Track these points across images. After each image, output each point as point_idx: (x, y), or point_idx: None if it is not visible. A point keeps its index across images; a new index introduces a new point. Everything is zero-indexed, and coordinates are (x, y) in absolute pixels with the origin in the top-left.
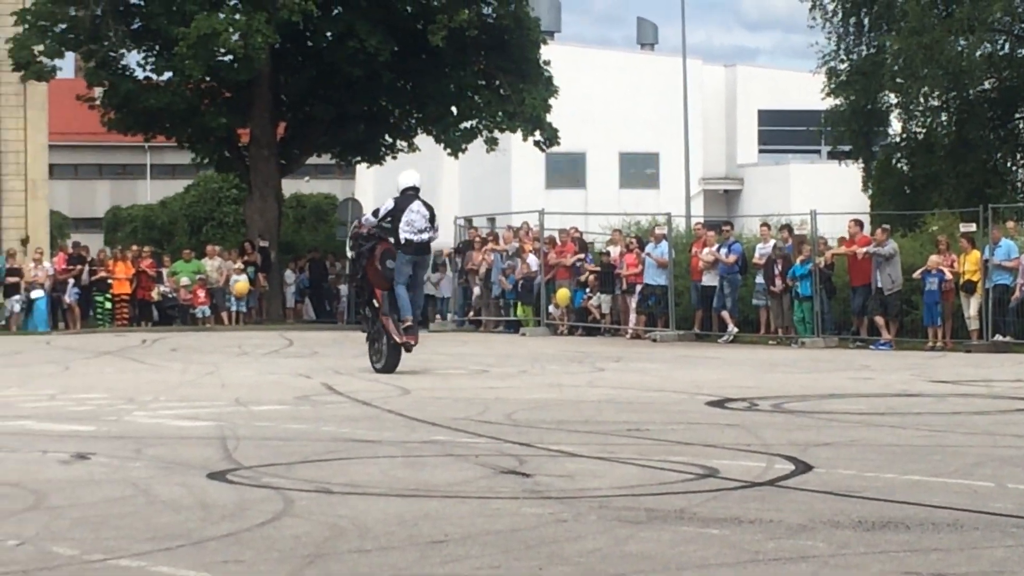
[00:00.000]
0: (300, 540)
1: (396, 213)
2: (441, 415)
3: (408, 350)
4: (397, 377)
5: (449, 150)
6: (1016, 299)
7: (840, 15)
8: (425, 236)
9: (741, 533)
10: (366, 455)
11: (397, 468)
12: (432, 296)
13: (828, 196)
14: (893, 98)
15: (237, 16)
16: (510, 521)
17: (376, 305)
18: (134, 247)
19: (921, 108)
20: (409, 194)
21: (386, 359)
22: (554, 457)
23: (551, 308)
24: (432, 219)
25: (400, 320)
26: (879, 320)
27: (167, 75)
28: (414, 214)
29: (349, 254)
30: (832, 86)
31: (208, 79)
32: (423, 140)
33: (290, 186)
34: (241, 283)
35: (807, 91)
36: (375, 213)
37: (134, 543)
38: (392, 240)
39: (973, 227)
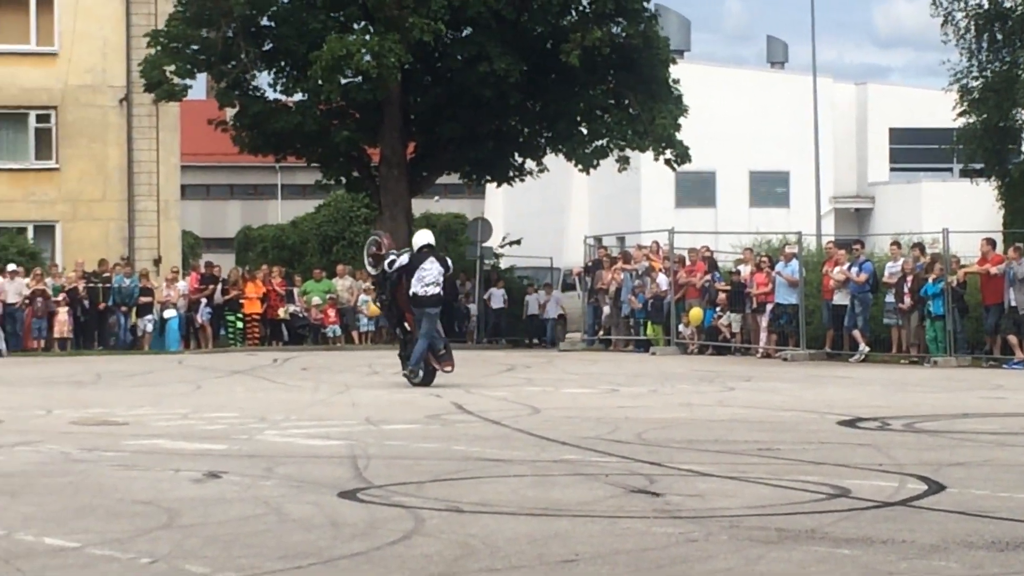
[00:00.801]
0: (431, 559)
1: (410, 269)
2: (571, 434)
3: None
4: (528, 396)
5: (580, 167)
6: None
7: (972, 31)
8: (431, 290)
9: (873, 553)
10: (496, 474)
11: (527, 487)
12: (534, 315)
13: (960, 214)
14: None
15: (368, 37)
16: (640, 541)
17: (408, 328)
18: (265, 267)
19: None
20: (424, 251)
21: (424, 376)
22: (684, 477)
23: (681, 327)
24: (445, 273)
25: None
26: (1012, 339)
27: (297, 96)
28: (426, 270)
29: (369, 271)
30: (965, 104)
31: (338, 99)
32: (552, 160)
33: (420, 206)
34: (374, 306)
35: (939, 109)
36: (391, 264)
37: (265, 561)
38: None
39: None
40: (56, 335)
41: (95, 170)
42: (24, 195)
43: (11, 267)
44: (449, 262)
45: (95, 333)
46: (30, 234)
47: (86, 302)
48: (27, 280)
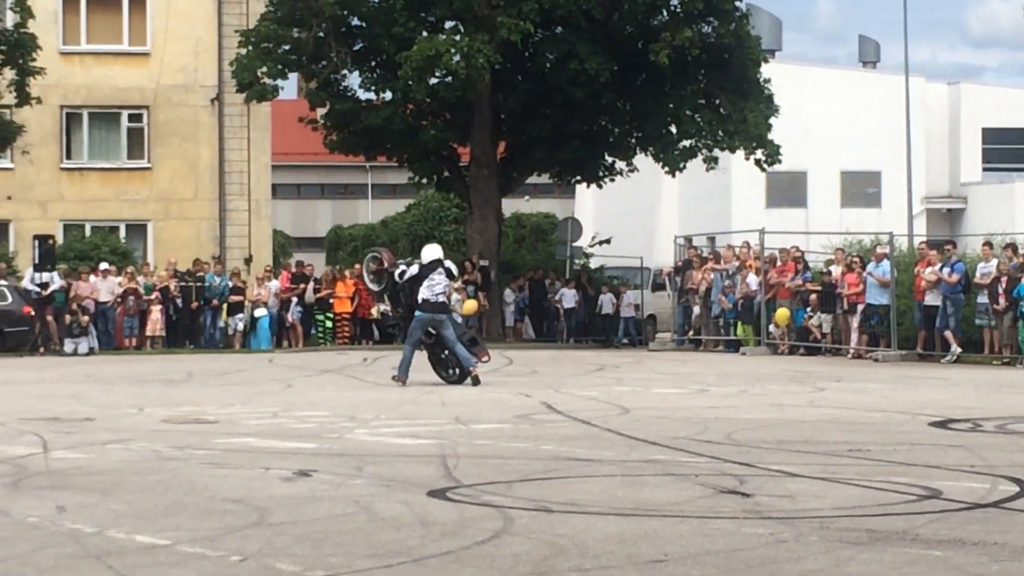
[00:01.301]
0: (520, 558)
1: (419, 279)
2: (661, 434)
3: (477, 383)
4: (617, 396)
5: (667, 168)
6: None
7: None
8: (440, 298)
9: (964, 555)
10: (585, 474)
11: (616, 487)
12: (607, 314)
13: None
14: None
15: (458, 37)
16: (730, 541)
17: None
18: (355, 266)
19: None
20: (434, 263)
21: (459, 376)
22: (774, 477)
23: (771, 327)
24: (449, 284)
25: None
26: None
27: (387, 95)
28: (435, 280)
29: (371, 287)
30: None
31: (428, 99)
32: (642, 159)
33: (510, 205)
34: (470, 302)
35: None
36: (401, 275)
37: (355, 560)
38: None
39: None
40: (149, 333)
41: (187, 169)
42: (116, 194)
43: (104, 266)
44: (455, 271)
45: (187, 332)
46: (122, 233)
47: (178, 301)
48: (119, 279)
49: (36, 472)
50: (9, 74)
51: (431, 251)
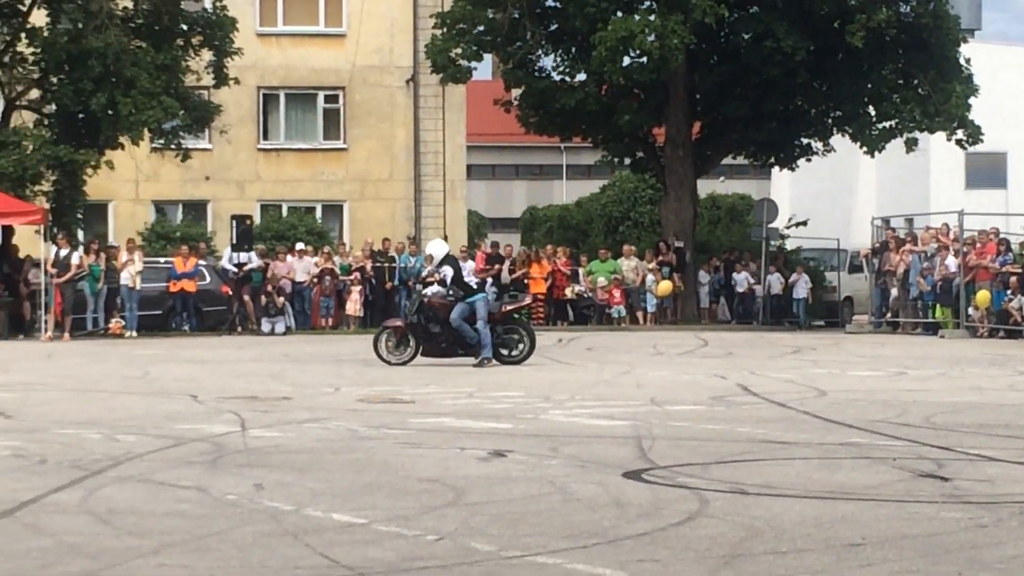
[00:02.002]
0: (715, 540)
1: (459, 272)
2: (858, 417)
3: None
4: (814, 378)
5: (866, 149)
6: None
7: None
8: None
9: None
10: (781, 456)
11: (812, 470)
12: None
13: None
14: None
15: (652, 18)
16: (928, 526)
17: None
18: (549, 247)
19: None
20: (451, 256)
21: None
22: (973, 461)
23: (971, 310)
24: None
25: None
26: None
27: (581, 76)
28: (467, 268)
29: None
30: None
31: (622, 80)
32: (839, 140)
33: (705, 186)
34: (665, 283)
35: None
36: (442, 283)
37: (551, 540)
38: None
39: None
40: (349, 312)
41: (382, 150)
42: (313, 175)
43: (300, 246)
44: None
45: (381, 312)
46: (318, 213)
47: (373, 281)
48: (315, 259)
49: (234, 450)
50: (207, 55)
51: (442, 246)
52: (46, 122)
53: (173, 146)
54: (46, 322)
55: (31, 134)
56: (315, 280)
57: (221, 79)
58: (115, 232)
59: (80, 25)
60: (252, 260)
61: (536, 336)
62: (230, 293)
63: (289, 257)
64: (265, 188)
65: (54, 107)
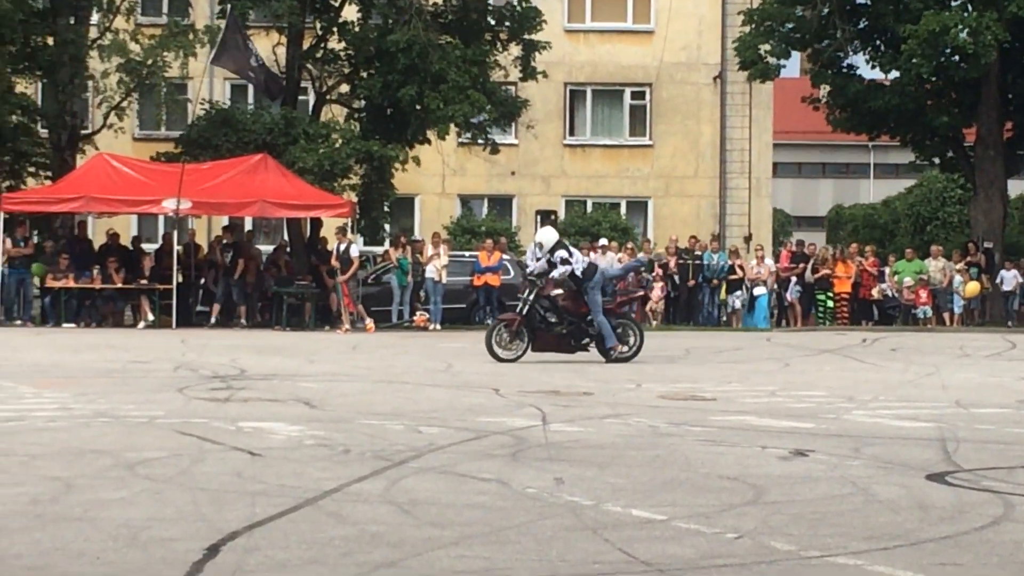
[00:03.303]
0: (1020, 545)
1: (569, 256)
2: None
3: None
4: None
5: None
6: None
7: None
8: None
9: None
10: None
11: None
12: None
13: None
14: None
15: (966, 13)
16: None
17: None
18: (854, 246)
19: None
20: (563, 242)
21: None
22: None
23: None
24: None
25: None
26: None
27: (892, 74)
28: (576, 258)
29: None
30: None
31: (934, 78)
32: None
33: (1016, 187)
34: (972, 284)
35: None
36: (571, 275)
37: (851, 541)
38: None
39: None
40: (649, 308)
41: (688, 147)
42: (618, 171)
43: (603, 241)
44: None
45: (684, 309)
46: (623, 210)
47: (676, 277)
48: (619, 255)
49: (535, 444)
50: (515, 49)
51: (552, 233)
52: (355, 116)
53: (480, 141)
54: (351, 315)
55: (340, 128)
56: (619, 276)
57: (528, 73)
58: (421, 226)
59: (390, 21)
60: None
61: (644, 334)
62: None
63: (592, 253)
64: (570, 184)
65: (363, 102)
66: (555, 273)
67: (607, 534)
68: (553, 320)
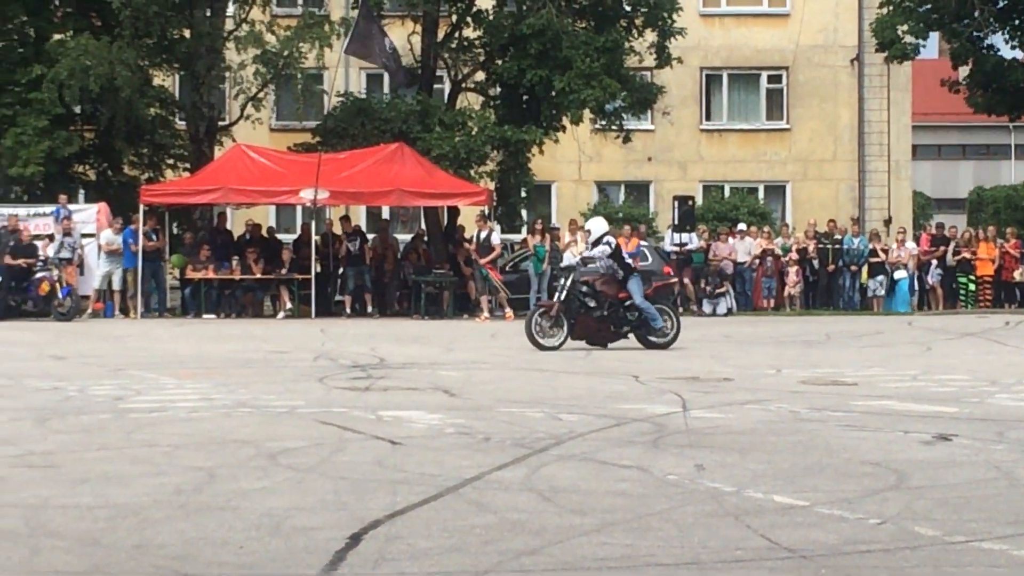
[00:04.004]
0: None
1: (619, 249)
2: None
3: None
4: None
5: None
6: None
7: None
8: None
9: None
10: None
11: None
12: None
13: None
14: None
15: None
16: None
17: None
18: (992, 228)
19: None
20: (610, 232)
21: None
22: None
23: None
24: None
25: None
26: None
27: None
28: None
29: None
30: None
31: None
32: None
33: None
34: None
35: None
36: (618, 258)
37: (996, 526)
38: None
39: None
40: (786, 293)
41: (825, 130)
42: (755, 155)
43: (741, 227)
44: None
45: (824, 293)
46: (760, 194)
47: (815, 262)
48: (757, 240)
49: (675, 431)
50: (650, 36)
51: (602, 223)
52: (491, 104)
53: (615, 127)
54: (490, 302)
55: (476, 115)
56: (756, 261)
57: (664, 59)
58: (557, 213)
59: (524, 7)
60: (693, 240)
61: (681, 321)
62: (671, 274)
63: (731, 238)
64: (707, 169)
65: (499, 89)
66: (595, 251)
67: (749, 520)
68: (592, 304)
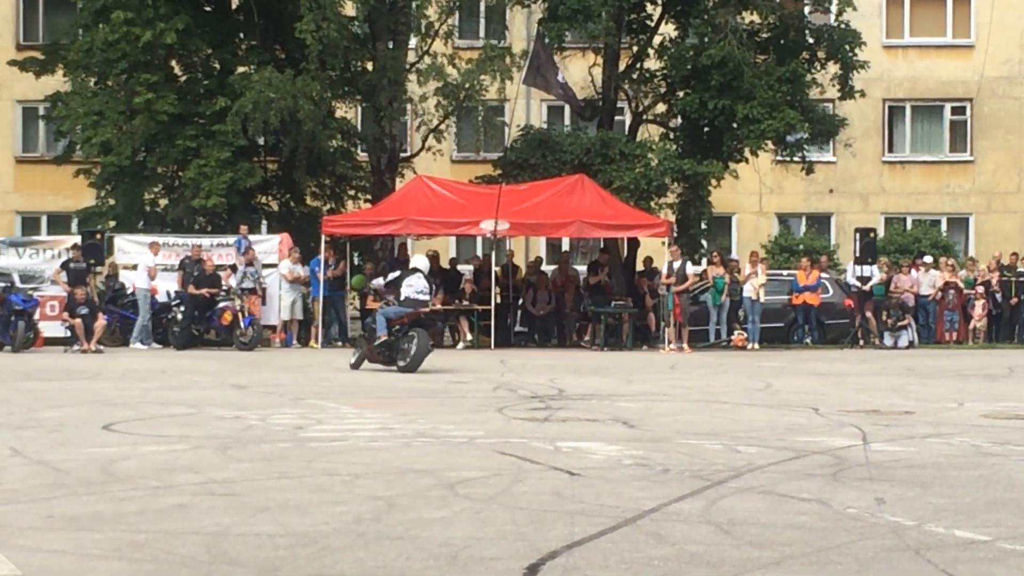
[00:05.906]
0: None
1: (399, 280)
2: None
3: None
4: None
5: None
6: None
7: None
8: (422, 297)
9: None
10: None
11: None
12: None
13: None
14: None
15: None
16: None
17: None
18: None
19: None
20: (414, 269)
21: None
22: None
23: None
24: (429, 291)
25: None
26: None
27: None
28: (414, 283)
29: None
30: None
31: None
32: None
33: None
34: None
35: None
36: (385, 278)
37: None
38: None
39: None
40: (971, 326)
41: (1010, 162)
42: (938, 188)
43: (927, 259)
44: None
45: (1008, 327)
46: (943, 226)
47: (998, 295)
48: (940, 273)
49: (855, 464)
50: (833, 68)
51: (417, 261)
52: (672, 136)
53: (796, 159)
54: (667, 334)
55: (656, 147)
56: (939, 294)
57: (846, 92)
58: (738, 245)
59: (706, 39)
60: (875, 273)
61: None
62: (852, 306)
63: (913, 271)
64: (889, 201)
65: (679, 120)
66: (377, 282)
67: (929, 555)
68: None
